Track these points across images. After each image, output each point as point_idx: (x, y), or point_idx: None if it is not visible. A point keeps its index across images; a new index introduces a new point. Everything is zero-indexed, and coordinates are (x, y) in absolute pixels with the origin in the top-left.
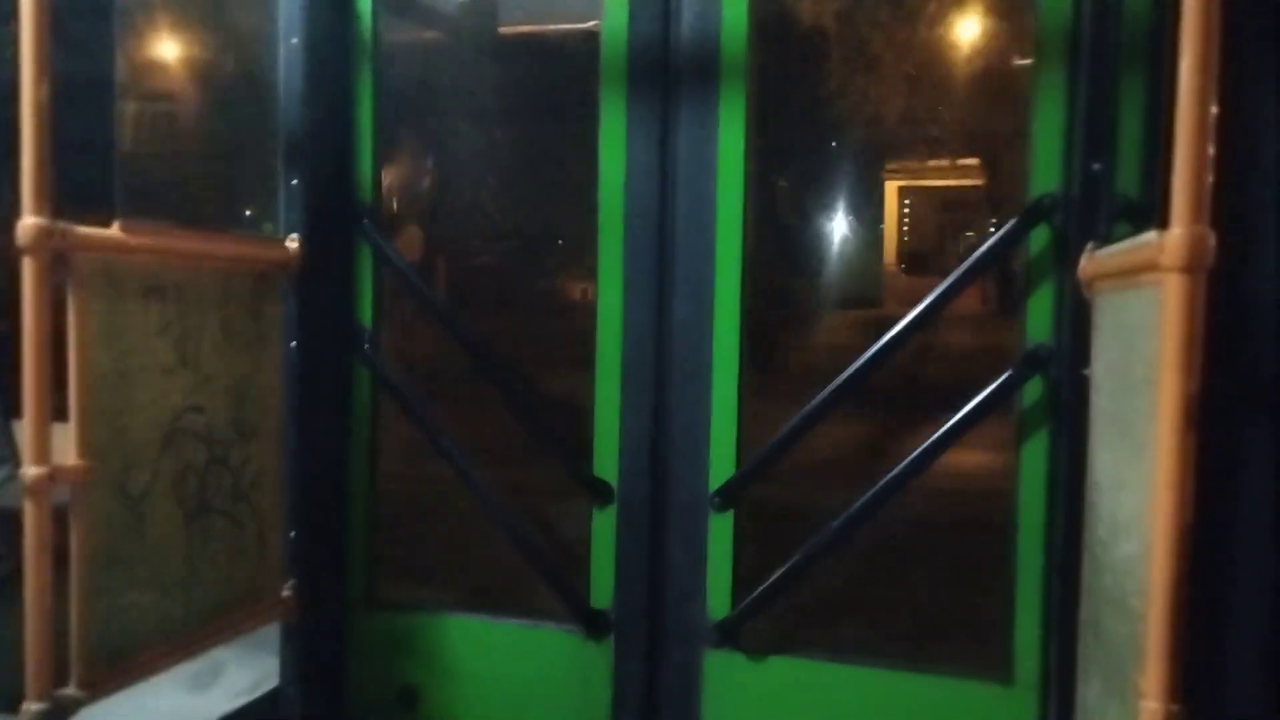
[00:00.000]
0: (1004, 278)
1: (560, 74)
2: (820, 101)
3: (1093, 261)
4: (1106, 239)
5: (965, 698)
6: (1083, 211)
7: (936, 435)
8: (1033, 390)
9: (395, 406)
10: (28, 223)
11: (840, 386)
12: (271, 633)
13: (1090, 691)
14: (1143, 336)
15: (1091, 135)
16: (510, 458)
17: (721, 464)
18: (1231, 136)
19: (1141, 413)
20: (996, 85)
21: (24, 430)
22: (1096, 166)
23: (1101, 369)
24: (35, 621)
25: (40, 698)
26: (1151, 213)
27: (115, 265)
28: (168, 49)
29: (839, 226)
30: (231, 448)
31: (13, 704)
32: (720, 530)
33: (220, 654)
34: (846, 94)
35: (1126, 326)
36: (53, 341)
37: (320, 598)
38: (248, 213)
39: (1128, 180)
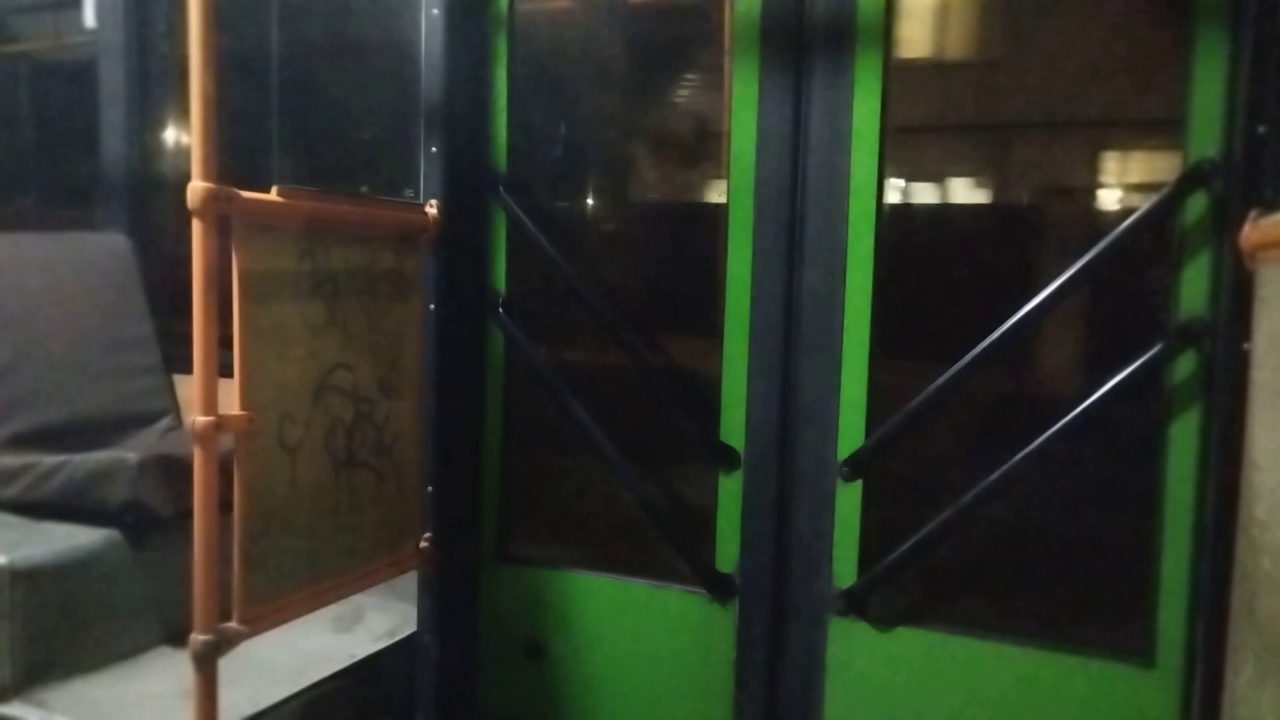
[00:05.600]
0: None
1: (693, 38)
2: None
3: (1258, 229)
4: (1273, 206)
5: (1103, 679)
6: (1246, 177)
7: (1080, 409)
8: (1185, 365)
9: (527, 369)
10: (196, 187)
11: (975, 358)
12: (408, 582)
13: (1242, 677)
14: None
15: (1256, 96)
16: (638, 421)
17: (850, 433)
18: None
19: None
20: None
21: (191, 385)
22: (1262, 129)
23: (1264, 342)
24: (202, 560)
25: (206, 630)
26: None
27: (273, 228)
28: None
29: None
30: (376, 404)
31: (178, 637)
32: (848, 499)
33: (361, 599)
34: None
35: None
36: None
37: (454, 550)
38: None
39: None
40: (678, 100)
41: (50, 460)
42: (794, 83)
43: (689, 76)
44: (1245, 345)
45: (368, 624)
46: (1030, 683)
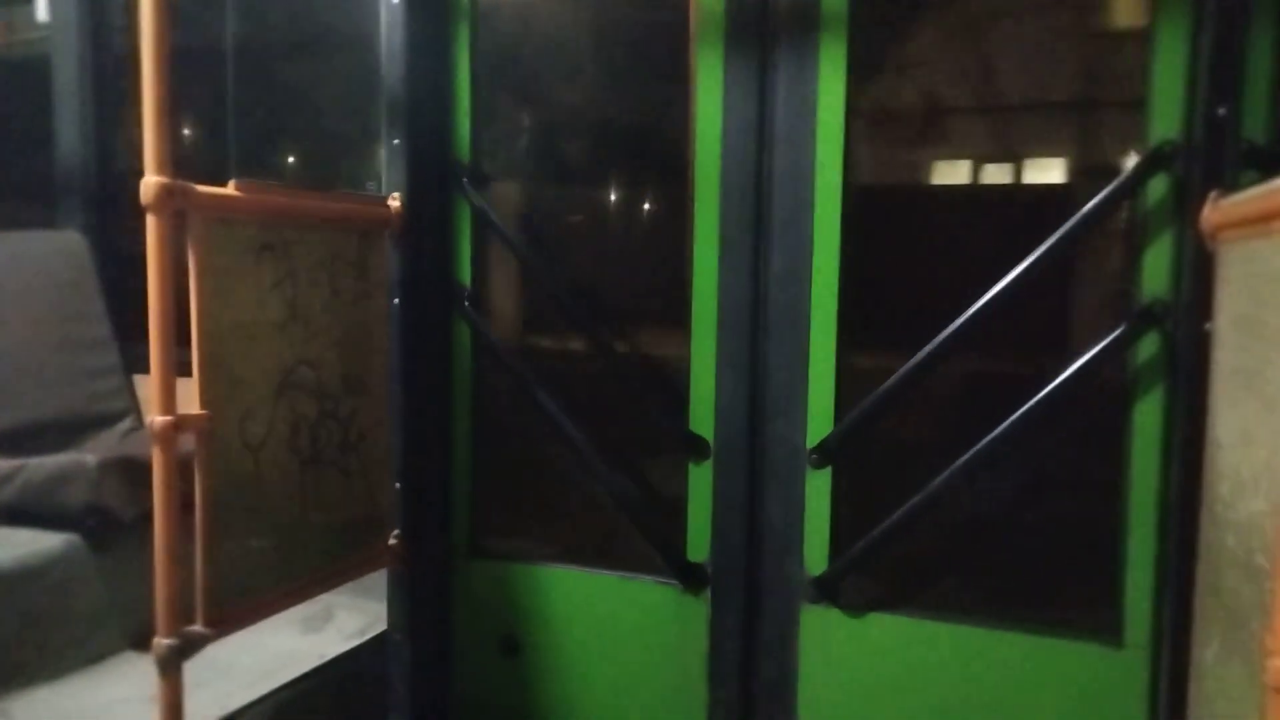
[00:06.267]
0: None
1: (657, 26)
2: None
3: (1218, 210)
4: (1232, 187)
5: (1072, 659)
6: (1206, 159)
7: (1044, 392)
8: (1148, 346)
9: (494, 362)
10: (150, 181)
11: (941, 344)
12: (378, 580)
13: (1208, 653)
14: (1276, 287)
15: (1217, 78)
16: (608, 413)
17: (819, 420)
18: None
19: (1274, 365)
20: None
21: (149, 384)
22: (1222, 111)
23: (1226, 322)
24: (164, 562)
25: (170, 634)
26: None
27: (231, 223)
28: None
29: None
30: (340, 400)
31: (143, 642)
32: (818, 486)
33: (330, 598)
34: None
35: (1257, 277)
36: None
37: (425, 547)
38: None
39: (1255, 125)
40: (641, 89)
41: (7, 464)
42: (759, 70)
43: (653, 65)
44: (1207, 326)
45: (337, 623)
46: (1000, 664)
